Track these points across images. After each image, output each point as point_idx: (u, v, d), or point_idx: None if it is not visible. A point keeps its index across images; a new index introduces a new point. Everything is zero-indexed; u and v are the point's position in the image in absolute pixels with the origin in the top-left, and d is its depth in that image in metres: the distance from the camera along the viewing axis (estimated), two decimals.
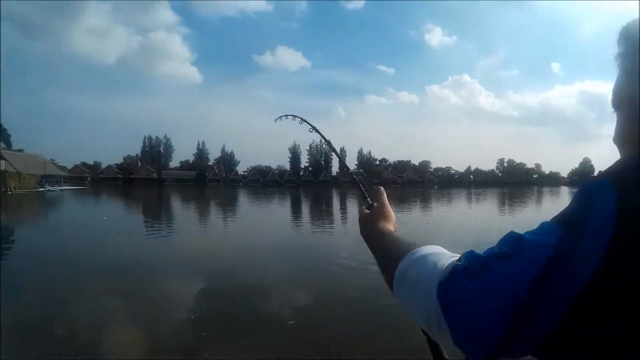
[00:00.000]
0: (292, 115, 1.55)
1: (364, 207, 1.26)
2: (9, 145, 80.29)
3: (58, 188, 72.45)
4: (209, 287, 10.20)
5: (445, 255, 0.74)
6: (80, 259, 13.93)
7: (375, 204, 1.19)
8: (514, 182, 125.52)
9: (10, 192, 58.08)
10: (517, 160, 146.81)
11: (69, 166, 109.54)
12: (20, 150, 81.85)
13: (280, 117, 1.50)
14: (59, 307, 8.53)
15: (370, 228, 1.09)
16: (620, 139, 0.69)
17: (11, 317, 7.71)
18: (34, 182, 69.16)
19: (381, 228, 1.05)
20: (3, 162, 65.92)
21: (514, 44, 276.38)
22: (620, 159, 0.64)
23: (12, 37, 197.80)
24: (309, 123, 1.57)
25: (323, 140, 1.60)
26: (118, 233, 21.02)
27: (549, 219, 0.61)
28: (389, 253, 0.88)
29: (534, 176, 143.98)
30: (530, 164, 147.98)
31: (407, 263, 0.77)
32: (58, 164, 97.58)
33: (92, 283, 10.58)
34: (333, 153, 1.66)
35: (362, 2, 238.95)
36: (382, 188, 1.25)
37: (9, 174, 62.30)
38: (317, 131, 1.57)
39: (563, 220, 0.57)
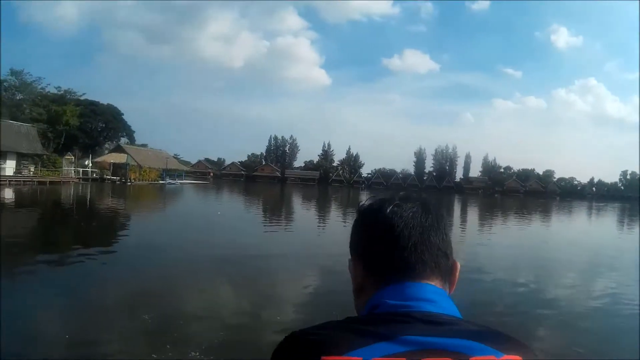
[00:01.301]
0: None
1: None
2: (132, 140, 78.71)
3: (178, 181, 69.78)
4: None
5: None
6: (177, 250, 14.93)
7: None
8: (636, 196, 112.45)
9: (129, 184, 56.60)
10: None
11: (193, 162, 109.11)
12: (144, 145, 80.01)
13: None
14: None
15: None
16: None
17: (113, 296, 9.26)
18: (155, 175, 65.69)
19: None
20: (125, 155, 63.69)
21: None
22: None
23: (136, 43, 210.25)
24: None
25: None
26: (226, 228, 21.92)
27: None
28: None
29: None
30: None
31: None
32: (181, 159, 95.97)
33: (184, 273, 11.52)
34: None
35: (487, 3, 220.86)
36: None
37: (129, 167, 59.63)
38: None
39: None
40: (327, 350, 0.70)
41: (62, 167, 48.45)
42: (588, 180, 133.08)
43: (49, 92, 62.29)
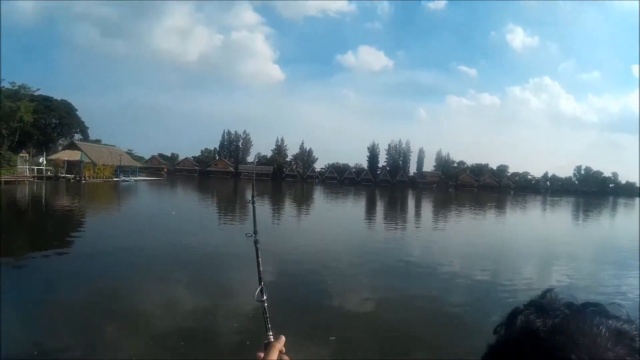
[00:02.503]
0: None
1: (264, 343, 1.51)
2: (85, 136, 79.28)
3: (132, 178, 71.02)
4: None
5: None
6: (131, 250, 15.58)
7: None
8: (590, 191, 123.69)
9: (84, 182, 57.42)
10: (595, 167, 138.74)
11: (147, 157, 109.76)
12: (98, 141, 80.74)
13: None
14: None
15: None
16: None
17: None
18: (109, 173, 66.87)
19: None
20: (79, 153, 64.56)
21: (594, 46, 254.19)
22: None
23: (91, 36, 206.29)
24: None
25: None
26: (181, 228, 22.86)
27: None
28: None
29: (610, 185, 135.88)
30: (607, 173, 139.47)
31: None
32: (135, 154, 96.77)
33: (140, 274, 12.42)
34: None
35: (444, 2, 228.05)
36: (274, 345, 1.46)
37: (83, 165, 60.64)
38: None
39: None
40: None
41: (16, 166, 49.57)
42: (542, 175, 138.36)
43: (3, 87, 62.12)
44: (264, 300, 1.64)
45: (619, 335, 0.65)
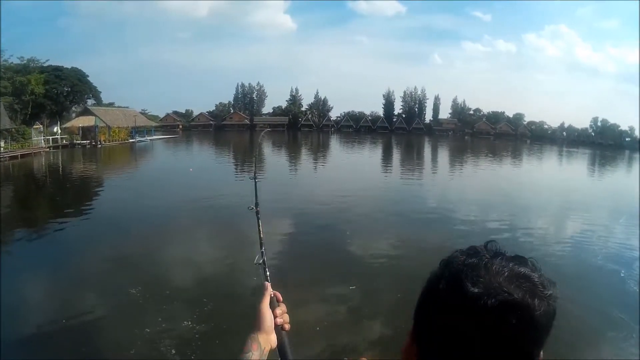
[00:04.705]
0: None
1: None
2: (99, 101, 79.36)
3: (148, 138, 71.78)
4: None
5: None
6: (150, 211, 15.76)
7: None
8: (606, 143, 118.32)
9: (100, 146, 58.23)
10: (612, 120, 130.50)
11: (161, 115, 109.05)
12: (111, 105, 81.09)
13: None
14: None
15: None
16: None
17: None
18: (124, 135, 67.62)
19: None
20: (93, 118, 64.96)
21: None
22: None
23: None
24: None
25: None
26: (198, 184, 22.82)
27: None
28: None
29: (627, 139, 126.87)
30: (624, 126, 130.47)
31: None
32: (149, 114, 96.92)
33: (161, 234, 12.79)
34: None
35: None
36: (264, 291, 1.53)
37: (98, 129, 61.16)
38: None
39: None
40: None
41: (31, 138, 50.07)
42: (558, 125, 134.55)
43: (12, 63, 62.55)
44: (262, 263, 1.82)
45: (518, 276, 0.75)
